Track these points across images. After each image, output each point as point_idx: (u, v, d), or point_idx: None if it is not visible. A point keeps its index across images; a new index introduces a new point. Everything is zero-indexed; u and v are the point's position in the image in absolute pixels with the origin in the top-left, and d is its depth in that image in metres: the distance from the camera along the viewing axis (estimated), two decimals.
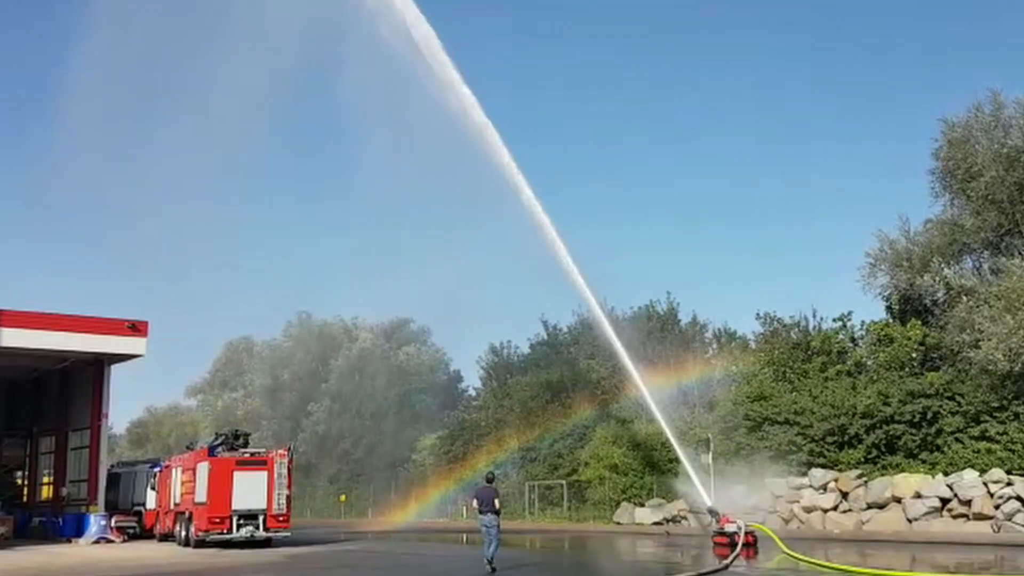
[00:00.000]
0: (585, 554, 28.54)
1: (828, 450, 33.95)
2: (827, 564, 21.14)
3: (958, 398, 31.41)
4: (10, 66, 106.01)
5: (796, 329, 41.33)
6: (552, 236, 29.10)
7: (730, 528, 24.87)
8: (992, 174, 32.09)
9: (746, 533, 24.16)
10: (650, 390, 31.59)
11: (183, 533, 29.50)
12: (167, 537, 31.58)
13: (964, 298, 31.45)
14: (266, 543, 28.06)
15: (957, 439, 31.19)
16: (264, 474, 28.29)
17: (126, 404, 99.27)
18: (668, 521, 36.76)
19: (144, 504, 34.94)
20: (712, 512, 27.20)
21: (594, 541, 33.18)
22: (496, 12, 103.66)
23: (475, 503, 20.80)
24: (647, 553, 27.03)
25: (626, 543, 31.40)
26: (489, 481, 21.15)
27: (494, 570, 19.18)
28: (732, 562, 20.84)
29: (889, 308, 37.01)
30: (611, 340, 31.77)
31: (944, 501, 29.23)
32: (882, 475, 31.81)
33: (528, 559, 25.26)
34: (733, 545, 23.43)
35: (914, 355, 34.39)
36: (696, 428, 39.03)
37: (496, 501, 20.11)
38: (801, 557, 22.04)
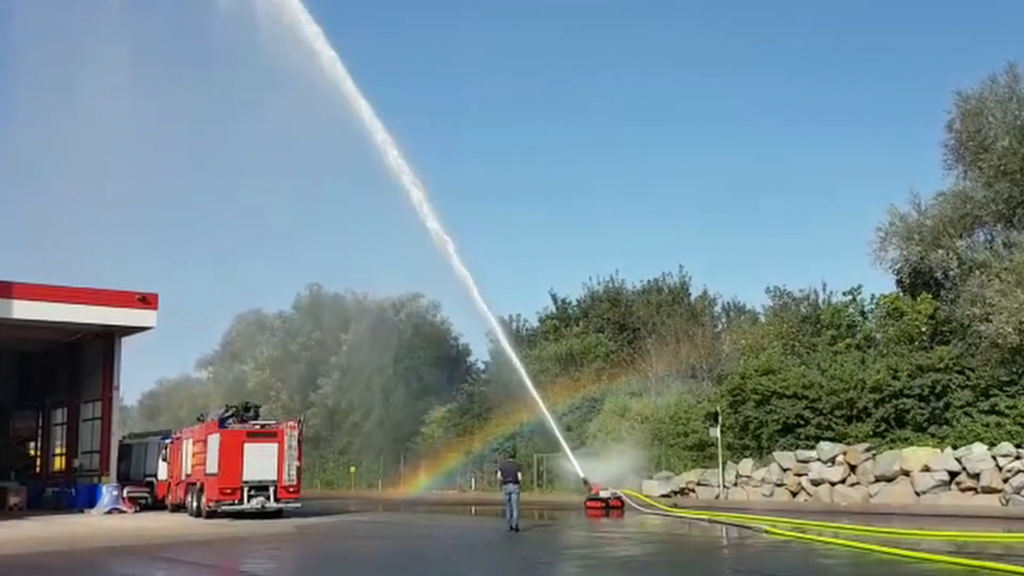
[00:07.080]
0: (589, 526, 28.67)
1: (837, 423, 33.97)
2: (706, 515, 27.06)
3: (967, 372, 31.37)
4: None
5: (806, 303, 41.28)
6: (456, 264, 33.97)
7: (604, 494, 31.14)
8: (1005, 146, 31.83)
9: (616, 498, 31.03)
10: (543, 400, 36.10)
11: (194, 504, 29.73)
12: (178, 508, 31.85)
13: (976, 272, 31.28)
14: (277, 514, 28.27)
15: (966, 413, 31.19)
16: (275, 446, 28.46)
17: (137, 376, 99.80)
18: (676, 493, 36.86)
19: (155, 475, 35.25)
20: (585, 482, 32.65)
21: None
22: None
23: (500, 475, 24.13)
24: (655, 524, 27.12)
25: (632, 515, 31.50)
26: (511, 457, 23.67)
27: (518, 530, 22.09)
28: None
29: (899, 282, 36.86)
30: (510, 355, 36.94)
31: (953, 475, 29.24)
32: (891, 449, 31.83)
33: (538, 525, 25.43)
34: (609, 508, 30.40)
35: (924, 329, 34.27)
36: (704, 402, 39.13)
37: (518, 474, 23.59)
38: (676, 511, 28.78)
